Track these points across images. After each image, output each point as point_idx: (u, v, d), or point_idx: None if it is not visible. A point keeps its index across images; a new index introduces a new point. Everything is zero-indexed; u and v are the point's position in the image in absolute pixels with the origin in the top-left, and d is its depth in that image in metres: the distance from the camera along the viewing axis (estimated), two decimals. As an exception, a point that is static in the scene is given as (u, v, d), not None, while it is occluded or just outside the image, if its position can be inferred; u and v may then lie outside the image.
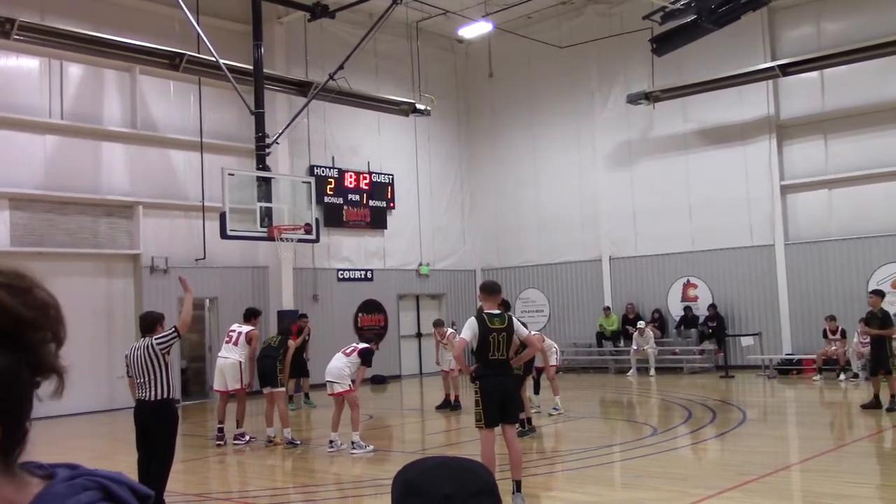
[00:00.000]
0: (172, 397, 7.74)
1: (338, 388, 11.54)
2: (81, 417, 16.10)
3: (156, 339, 7.63)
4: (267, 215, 17.00)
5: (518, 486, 7.98)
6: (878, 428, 12.36)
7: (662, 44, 20.28)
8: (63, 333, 1.14)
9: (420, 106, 22.20)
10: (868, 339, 17.91)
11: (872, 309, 13.87)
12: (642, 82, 22.24)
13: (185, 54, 17.85)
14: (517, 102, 25.20)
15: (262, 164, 17.68)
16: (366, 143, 23.33)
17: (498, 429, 7.98)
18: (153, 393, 7.57)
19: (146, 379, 7.57)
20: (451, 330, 16.74)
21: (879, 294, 13.95)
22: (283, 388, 13.04)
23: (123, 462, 9.35)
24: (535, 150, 24.93)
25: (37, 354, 1.09)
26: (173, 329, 7.66)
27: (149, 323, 7.84)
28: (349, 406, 11.53)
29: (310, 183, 18.37)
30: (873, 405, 13.37)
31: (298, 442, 12.38)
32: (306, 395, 17.41)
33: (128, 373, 7.81)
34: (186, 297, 8.11)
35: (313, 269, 21.69)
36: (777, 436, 12.20)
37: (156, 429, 7.54)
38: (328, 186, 22.03)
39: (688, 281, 22.18)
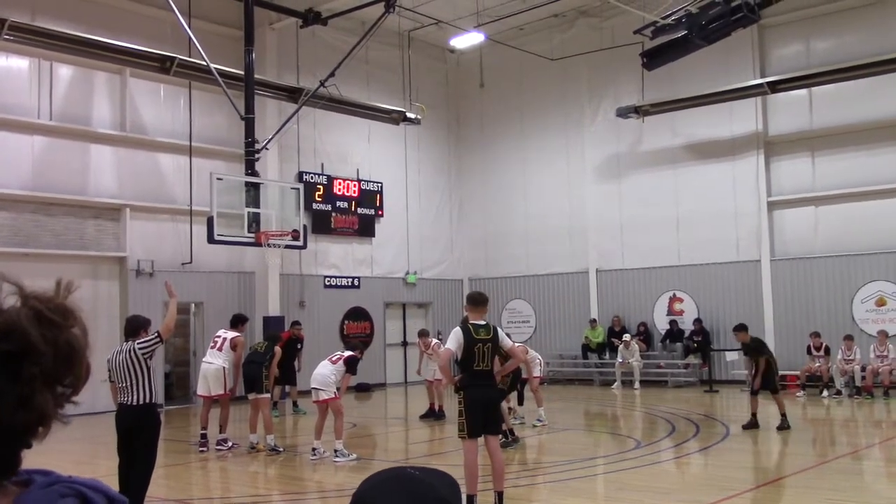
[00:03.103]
0: (154, 402, 7.70)
1: (323, 396, 11.53)
2: (71, 417, 15.96)
3: (138, 343, 7.58)
4: (255, 221, 16.95)
5: (500, 497, 7.98)
6: (859, 445, 12.42)
7: (653, 58, 20.40)
8: (81, 381, 1.12)
9: (410, 115, 22.23)
10: (852, 357, 18.12)
11: (744, 342, 13.85)
12: (632, 96, 22.35)
13: (176, 58, 17.82)
14: (507, 113, 25.27)
15: (250, 169, 17.65)
16: (356, 150, 23.33)
17: (481, 439, 7.97)
18: (135, 398, 7.52)
19: (128, 383, 7.52)
20: (436, 340, 16.74)
21: (743, 328, 13.91)
22: (268, 395, 12.98)
23: (105, 466, 9.29)
24: (524, 161, 24.99)
25: (27, 388, 1.05)
26: (156, 334, 7.61)
27: (133, 327, 7.79)
28: (333, 414, 11.51)
29: (298, 189, 18.33)
30: (752, 424, 13.36)
31: (281, 449, 12.35)
32: (294, 403, 17.36)
33: (110, 377, 7.75)
34: (171, 302, 8.08)
35: (300, 275, 21.64)
36: (760, 451, 12.23)
37: (138, 434, 7.49)
38: (317, 193, 22.00)
39: (674, 295, 22.25)
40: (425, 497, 1.39)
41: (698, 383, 20.99)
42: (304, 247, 18.80)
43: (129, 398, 7.54)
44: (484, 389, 7.93)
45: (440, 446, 13.05)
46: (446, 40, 23.92)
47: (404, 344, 24.32)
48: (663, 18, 19.06)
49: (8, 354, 1.04)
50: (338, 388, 11.67)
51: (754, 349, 13.75)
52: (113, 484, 7.39)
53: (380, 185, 23.81)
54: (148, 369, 7.57)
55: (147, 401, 7.55)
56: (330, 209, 22.44)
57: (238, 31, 19.19)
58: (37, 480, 1.09)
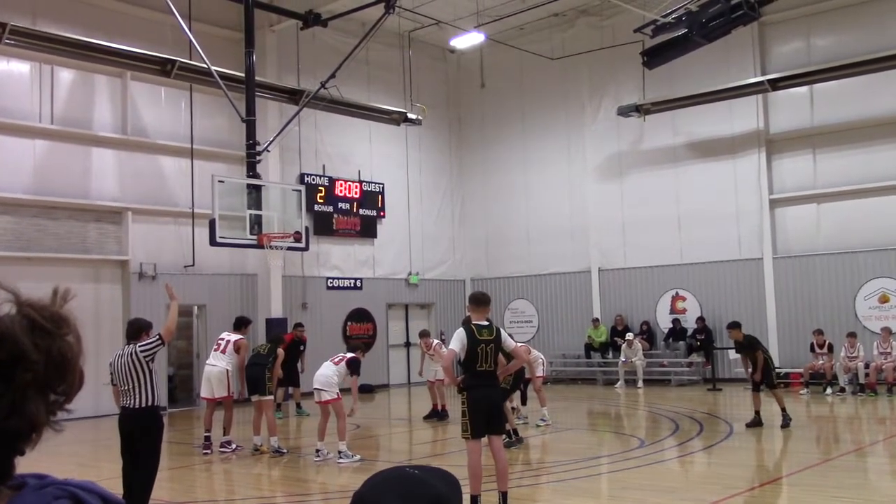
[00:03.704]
0: (157, 405, 7.68)
1: (325, 396, 11.53)
2: (66, 424, 15.96)
3: (140, 346, 7.58)
4: (257, 223, 16.96)
5: (504, 497, 7.97)
6: (863, 443, 12.40)
7: (653, 57, 20.39)
8: (74, 389, 1.12)
9: (411, 115, 22.23)
10: (856, 354, 18.10)
11: (737, 340, 13.85)
12: (633, 95, 22.34)
13: (176, 61, 17.83)
14: (508, 113, 25.27)
15: (252, 171, 17.66)
16: (357, 151, 23.33)
17: (484, 440, 7.97)
18: (137, 400, 7.51)
19: (130, 386, 7.51)
20: (437, 341, 16.74)
21: (736, 326, 13.92)
22: (271, 397, 12.99)
23: (108, 469, 9.29)
24: (525, 160, 24.98)
25: (19, 395, 1.06)
26: (157, 337, 7.60)
27: (135, 330, 7.78)
28: (335, 415, 11.51)
29: (300, 191, 18.35)
30: (756, 422, 13.36)
31: (285, 451, 12.35)
32: (298, 405, 17.38)
33: (112, 380, 7.74)
34: (172, 305, 8.07)
35: (302, 277, 21.65)
36: (764, 449, 12.22)
37: (140, 436, 7.48)
38: (318, 195, 22.02)
39: (676, 293, 22.23)
40: (424, 496, 1.40)
41: (701, 382, 20.98)
42: (306, 248, 18.81)
43: (132, 401, 7.54)
44: (487, 390, 7.93)
45: (443, 447, 13.04)
46: (447, 41, 23.93)
47: (407, 345, 24.32)
48: (663, 17, 19.05)
49: (0, 362, 1.04)
50: (340, 390, 11.67)
51: (748, 346, 13.74)
52: (117, 487, 7.40)
53: (381, 185, 23.82)
54: (150, 372, 7.57)
55: (149, 403, 7.54)
56: (331, 210, 22.45)
57: (238, 33, 19.20)
58: (30, 483, 1.10)
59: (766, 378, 13.56)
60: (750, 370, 13.76)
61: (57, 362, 1.09)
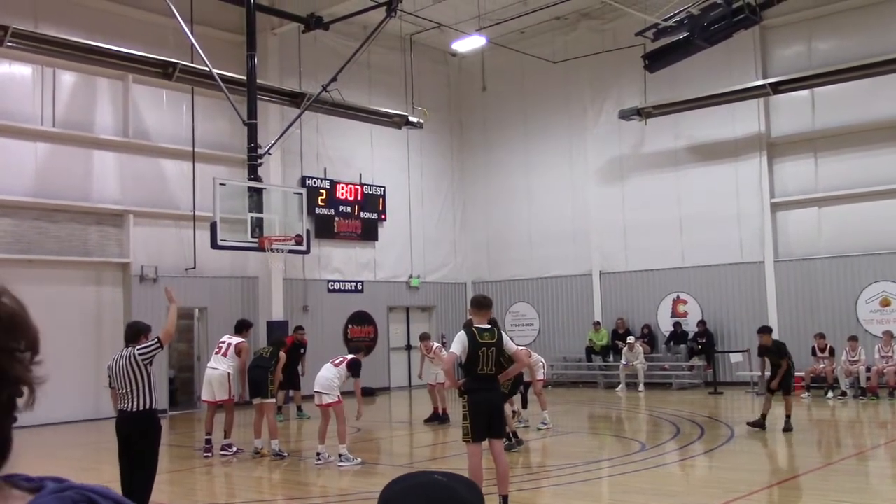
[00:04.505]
0: (155, 408, 7.66)
1: (326, 399, 11.51)
2: (67, 426, 16.00)
3: (138, 349, 7.56)
4: (258, 226, 16.96)
5: (505, 500, 7.97)
6: (864, 447, 12.38)
7: (655, 60, 20.40)
8: (35, 342, 1.13)
9: (413, 118, 22.24)
10: (857, 358, 18.09)
11: (766, 345, 13.87)
12: (634, 98, 22.34)
13: (178, 63, 17.84)
14: (510, 116, 25.28)
15: (253, 174, 17.64)
16: (358, 154, 23.35)
17: (485, 443, 7.97)
18: (135, 404, 7.50)
19: (128, 389, 7.50)
20: (437, 344, 16.73)
21: (767, 331, 13.98)
22: (273, 400, 12.99)
23: (109, 472, 9.28)
24: (527, 164, 24.99)
25: (1, 366, 1.08)
26: (156, 340, 7.59)
27: (133, 333, 7.77)
28: (335, 418, 11.49)
29: (301, 194, 18.35)
30: (759, 425, 13.39)
31: (286, 454, 12.34)
32: (298, 408, 17.38)
33: (110, 384, 7.73)
34: (171, 309, 8.06)
35: (303, 280, 21.66)
36: (765, 453, 12.21)
37: (138, 440, 7.46)
38: (320, 198, 22.03)
39: (678, 297, 22.22)
40: (449, 500, 1.42)
41: (703, 385, 20.97)
42: (307, 251, 18.78)
43: (130, 404, 7.52)
44: (488, 393, 7.93)
45: (444, 450, 13.03)
46: (448, 44, 23.94)
47: (408, 348, 24.31)
48: (665, 20, 19.06)
49: None
50: (343, 392, 11.66)
51: (777, 352, 13.73)
52: (115, 490, 7.39)
53: (382, 188, 23.83)
54: (148, 375, 7.55)
55: (147, 407, 7.52)
56: (333, 213, 22.46)
57: (240, 36, 19.20)
58: (48, 486, 1.10)
59: (784, 384, 13.56)
60: (769, 374, 13.74)
61: (6, 324, 1.10)
